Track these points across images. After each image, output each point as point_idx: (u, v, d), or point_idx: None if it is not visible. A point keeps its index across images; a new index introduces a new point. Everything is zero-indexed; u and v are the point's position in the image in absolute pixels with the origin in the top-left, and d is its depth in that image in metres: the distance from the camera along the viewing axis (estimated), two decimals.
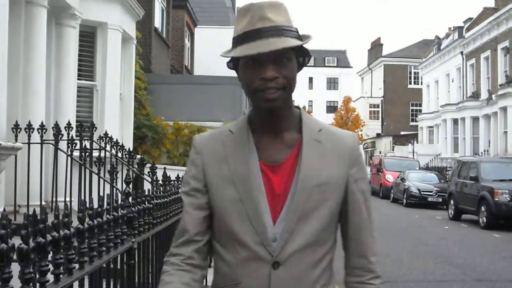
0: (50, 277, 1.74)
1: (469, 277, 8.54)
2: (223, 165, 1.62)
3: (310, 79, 70.43)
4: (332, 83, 73.47)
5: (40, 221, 1.67)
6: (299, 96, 60.59)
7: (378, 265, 1.70)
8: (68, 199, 6.35)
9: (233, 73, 1.73)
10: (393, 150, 45.12)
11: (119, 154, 7.53)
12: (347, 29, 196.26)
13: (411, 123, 50.65)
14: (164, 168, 5.21)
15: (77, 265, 2.04)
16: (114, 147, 7.50)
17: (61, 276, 1.83)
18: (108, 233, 2.46)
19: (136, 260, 3.12)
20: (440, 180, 23.67)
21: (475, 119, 32.65)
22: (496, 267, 9.39)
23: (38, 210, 1.71)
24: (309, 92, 69.13)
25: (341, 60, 74.66)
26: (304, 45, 1.59)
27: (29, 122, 6.93)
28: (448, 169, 29.28)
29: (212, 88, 15.03)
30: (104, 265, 2.44)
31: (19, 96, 7.64)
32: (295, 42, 1.55)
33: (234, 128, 1.68)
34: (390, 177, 26.25)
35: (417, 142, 40.48)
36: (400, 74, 52.42)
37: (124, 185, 3.34)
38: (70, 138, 6.95)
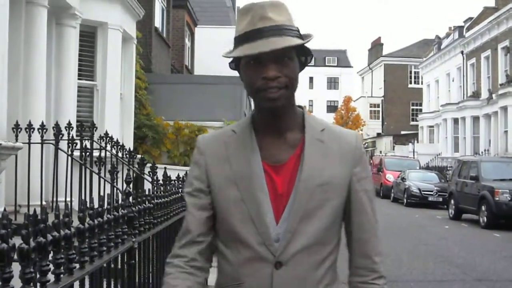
0: (50, 277, 1.74)
1: (469, 276, 8.53)
2: (226, 165, 1.62)
3: (311, 78, 70.38)
4: (333, 83, 73.46)
5: (40, 221, 1.66)
6: (300, 96, 60.54)
7: (382, 265, 1.69)
8: (68, 199, 6.35)
9: (233, 73, 1.72)
10: (393, 149, 45.07)
11: (120, 154, 7.53)
12: (347, 29, 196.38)
13: (412, 123, 50.60)
14: (165, 168, 5.24)
15: (77, 265, 2.04)
16: (115, 147, 7.50)
17: (61, 276, 1.83)
18: (109, 232, 2.46)
19: (137, 259, 3.12)
20: (441, 180, 23.65)
21: (476, 119, 32.64)
22: (496, 266, 9.38)
23: (38, 210, 1.71)
24: (309, 91, 69.08)
25: (342, 59, 74.64)
26: (306, 44, 1.59)
27: (30, 122, 6.92)
28: (448, 168, 29.32)
29: (213, 88, 15.01)
30: (105, 264, 2.44)
31: (20, 96, 7.63)
32: (296, 41, 1.54)
33: (237, 128, 1.67)
34: (390, 177, 26.24)
35: (418, 142, 40.47)
36: (401, 73, 52.38)
37: (125, 185, 3.35)
38: (70, 138, 6.94)
